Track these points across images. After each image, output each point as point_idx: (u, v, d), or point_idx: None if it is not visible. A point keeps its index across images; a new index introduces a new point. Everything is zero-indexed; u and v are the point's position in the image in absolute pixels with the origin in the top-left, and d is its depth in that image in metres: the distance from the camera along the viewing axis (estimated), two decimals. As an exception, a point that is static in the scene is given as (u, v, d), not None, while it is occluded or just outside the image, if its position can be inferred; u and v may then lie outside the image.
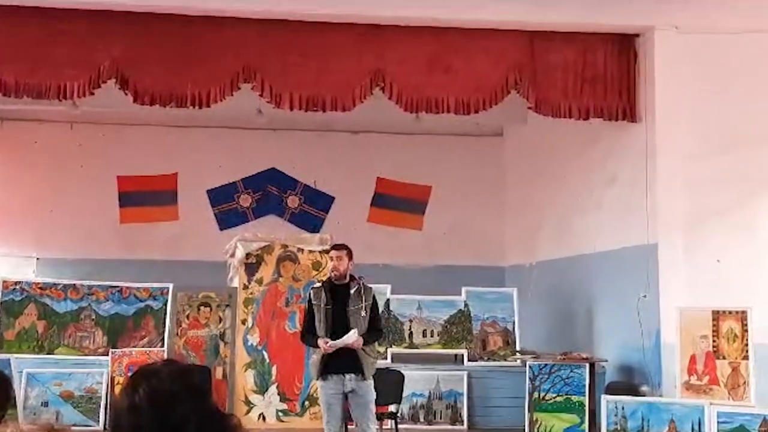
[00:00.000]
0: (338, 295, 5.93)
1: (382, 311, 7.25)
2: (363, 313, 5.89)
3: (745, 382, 5.97)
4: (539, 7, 7.12)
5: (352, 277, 6.01)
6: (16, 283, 7.89)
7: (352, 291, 5.92)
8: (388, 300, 8.16)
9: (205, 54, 7.17)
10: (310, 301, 6.08)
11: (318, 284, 6.30)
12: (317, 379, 5.98)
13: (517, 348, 8.22)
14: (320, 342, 5.83)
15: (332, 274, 6.01)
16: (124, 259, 10.22)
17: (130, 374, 2.33)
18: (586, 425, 6.93)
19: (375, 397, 5.98)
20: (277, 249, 7.86)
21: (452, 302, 8.38)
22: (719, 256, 6.95)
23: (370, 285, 6.11)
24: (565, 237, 9.04)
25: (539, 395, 7.17)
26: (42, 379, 7.25)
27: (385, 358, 7.78)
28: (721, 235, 7.00)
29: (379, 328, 6.16)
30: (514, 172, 10.82)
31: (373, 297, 6.05)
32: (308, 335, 6.05)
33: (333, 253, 6.04)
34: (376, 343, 6.39)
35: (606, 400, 6.46)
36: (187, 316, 7.74)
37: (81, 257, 10.20)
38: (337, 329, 5.82)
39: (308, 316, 6.07)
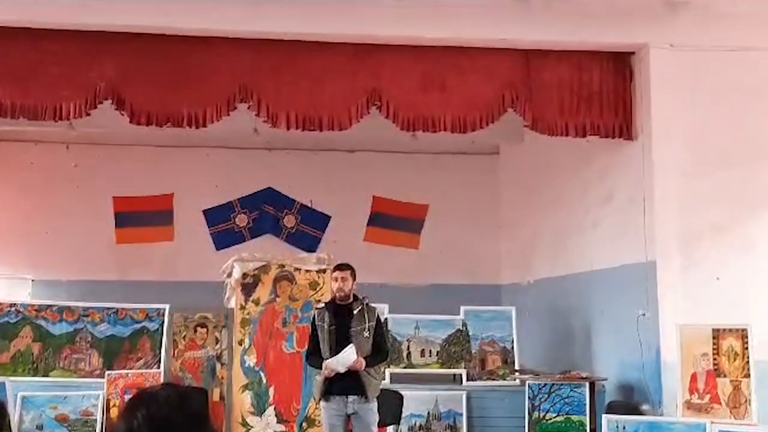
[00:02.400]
0: (341, 315, 5.91)
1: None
2: (366, 334, 5.86)
3: (746, 401, 5.92)
4: (534, 25, 7.14)
5: (355, 297, 5.98)
6: (11, 305, 7.83)
7: (355, 311, 5.89)
8: (385, 320, 8.10)
9: (200, 74, 7.17)
10: (314, 322, 6.05)
11: (321, 305, 6.28)
12: (320, 400, 5.93)
13: (516, 367, 8.17)
14: (323, 365, 5.81)
15: (336, 295, 5.99)
16: (120, 281, 10.17)
17: (128, 398, 2.30)
18: (586, 445, 6.88)
19: (378, 419, 5.94)
20: (273, 269, 7.82)
21: (450, 322, 8.33)
22: (718, 273, 6.92)
23: (374, 305, 6.07)
24: (562, 255, 9.02)
25: (539, 415, 7.12)
26: (37, 402, 7.17)
27: (384, 379, 7.72)
28: (719, 252, 6.97)
29: (384, 349, 6.11)
30: (511, 190, 10.81)
31: (377, 317, 6.02)
32: (313, 357, 6.04)
33: (337, 273, 6.02)
34: (382, 365, 6.35)
35: (607, 420, 6.41)
36: (184, 338, 7.69)
37: (76, 278, 10.15)
38: (341, 350, 5.79)
39: (312, 337, 6.04)
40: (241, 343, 7.64)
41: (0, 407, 3.00)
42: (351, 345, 5.76)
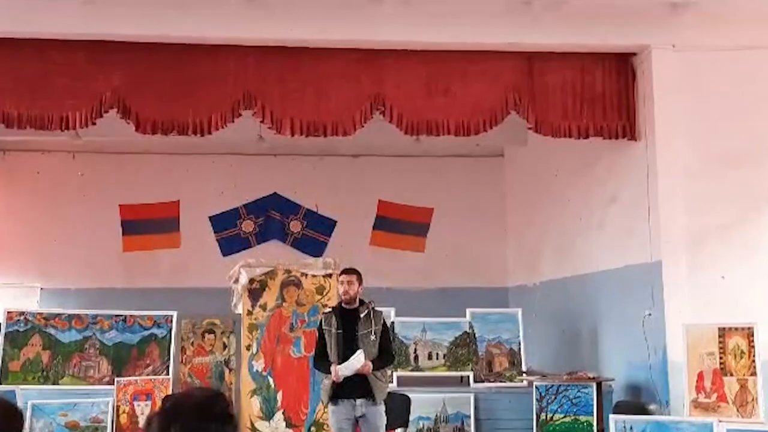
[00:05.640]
0: (348, 319, 5.95)
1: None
2: (373, 338, 5.91)
3: (753, 399, 5.93)
4: (537, 28, 7.16)
5: (361, 302, 6.02)
6: (20, 313, 7.87)
7: (361, 315, 5.94)
8: (392, 323, 8.12)
9: (205, 82, 7.21)
10: (321, 326, 6.10)
11: (328, 310, 6.32)
12: (328, 404, 5.97)
13: (523, 369, 8.18)
14: (332, 369, 5.84)
15: (342, 299, 6.04)
16: (128, 288, 10.23)
17: (164, 404, 2.32)
18: (594, 445, 6.89)
19: (386, 422, 5.97)
20: (280, 274, 7.85)
21: (457, 324, 8.35)
22: (724, 273, 6.94)
23: (380, 309, 6.11)
24: (567, 256, 9.04)
25: (547, 416, 7.14)
26: (47, 409, 7.22)
27: (391, 382, 7.74)
28: (725, 251, 6.98)
29: (390, 352, 6.15)
30: (515, 193, 10.84)
31: (384, 321, 6.07)
32: (321, 361, 6.08)
33: (343, 277, 6.07)
34: (388, 368, 6.38)
35: (614, 420, 6.42)
36: (192, 344, 7.72)
37: (84, 286, 10.21)
38: (348, 354, 5.84)
39: (319, 342, 6.09)
40: (248, 348, 7.68)
41: (17, 414, 3.02)
42: (360, 351, 5.81)
